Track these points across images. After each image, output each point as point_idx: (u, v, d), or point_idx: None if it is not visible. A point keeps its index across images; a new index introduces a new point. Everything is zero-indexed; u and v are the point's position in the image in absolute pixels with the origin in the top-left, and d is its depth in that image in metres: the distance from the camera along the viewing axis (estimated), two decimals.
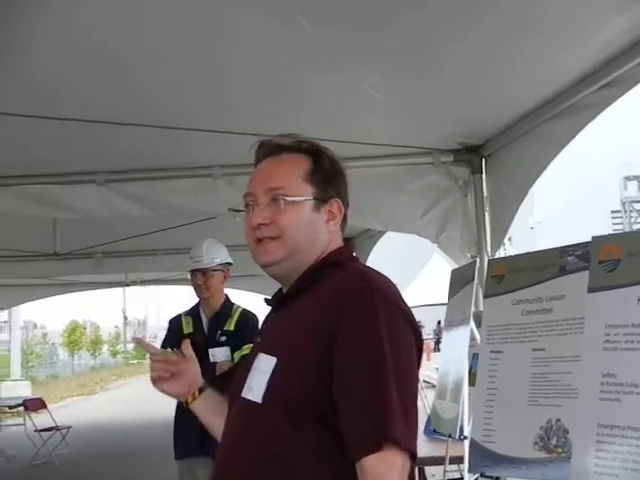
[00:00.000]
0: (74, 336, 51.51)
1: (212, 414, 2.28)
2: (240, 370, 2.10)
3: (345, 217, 2.14)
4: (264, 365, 1.95)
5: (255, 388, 1.94)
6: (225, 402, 2.19)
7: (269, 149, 2.13)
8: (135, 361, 59.09)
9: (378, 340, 1.86)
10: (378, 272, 2.05)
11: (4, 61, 3.85)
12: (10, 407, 14.43)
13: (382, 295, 1.93)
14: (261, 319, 2.40)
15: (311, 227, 2.05)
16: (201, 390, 2.31)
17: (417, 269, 12.33)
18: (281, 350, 1.95)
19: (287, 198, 2.02)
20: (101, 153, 5.42)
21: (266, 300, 2.20)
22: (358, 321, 1.88)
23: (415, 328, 1.99)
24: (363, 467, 1.80)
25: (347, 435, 1.84)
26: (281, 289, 2.16)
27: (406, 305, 2.00)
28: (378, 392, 1.83)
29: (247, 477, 1.92)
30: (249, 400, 1.95)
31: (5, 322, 33.28)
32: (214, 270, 5.19)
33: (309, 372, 1.87)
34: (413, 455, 1.86)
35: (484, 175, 5.53)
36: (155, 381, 2.33)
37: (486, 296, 3.81)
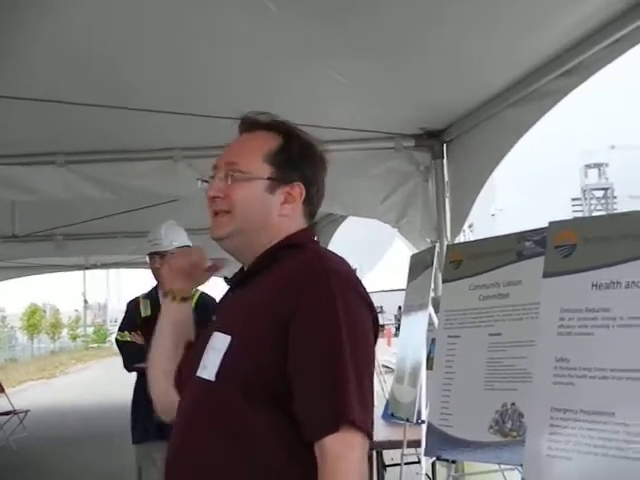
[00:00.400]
0: (33, 319, 51.10)
1: (172, 326, 2.25)
2: (195, 349, 2.08)
3: (312, 202, 2.12)
4: (218, 343, 1.94)
5: (209, 366, 1.93)
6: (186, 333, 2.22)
7: (247, 125, 2.13)
8: (95, 345, 58.83)
9: (334, 321, 1.86)
10: (335, 254, 2.05)
11: None
12: None
13: (338, 276, 1.93)
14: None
15: (262, 206, 2.04)
16: (186, 299, 2.28)
17: (379, 254, 12.35)
18: (235, 328, 1.94)
19: (238, 174, 2.03)
20: (61, 134, 5.36)
21: (225, 279, 2.19)
22: (314, 302, 1.88)
23: (372, 309, 2.00)
24: (323, 447, 1.81)
25: (304, 416, 1.84)
26: (242, 269, 2.15)
27: (363, 287, 2.00)
28: (335, 373, 1.83)
29: (203, 456, 1.91)
30: (203, 379, 1.94)
31: None
32: (172, 253, 5.15)
33: (263, 352, 1.87)
34: (370, 436, 1.87)
35: (445, 160, 5.56)
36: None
37: (444, 281, 3.83)
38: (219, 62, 4.25)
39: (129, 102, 4.61)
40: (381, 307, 35.21)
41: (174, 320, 2.25)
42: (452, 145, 5.49)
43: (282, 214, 2.06)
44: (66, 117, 4.85)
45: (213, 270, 2.31)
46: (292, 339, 1.86)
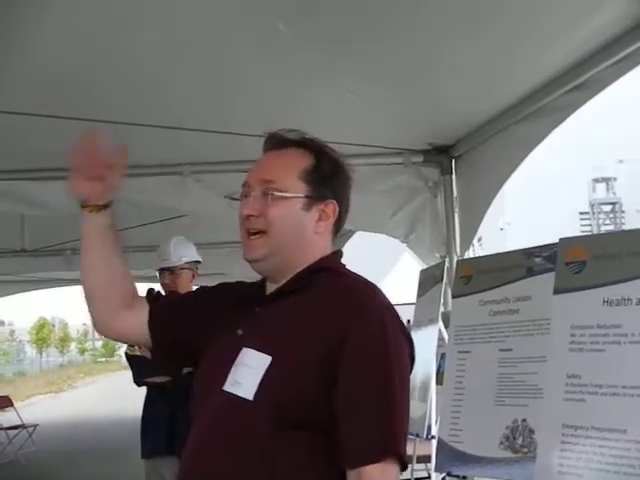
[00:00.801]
0: (42, 333, 51.18)
1: (98, 238, 2.21)
2: (211, 360, 2.07)
3: (341, 219, 2.12)
4: (254, 361, 1.92)
5: (244, 384, 1.91)
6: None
7: (275, 142, 2.12)
8: (103, 359, 58.87)
9: (386, 353, 1.88)
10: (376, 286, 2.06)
11: None
12: None
13: (388, 309, 1.97)
14: None
15: (298, 224, 2.03)
16: (105, 207, 2.22)
17: (387, 268, 12.36)
18: (277, 350, 1.92)
19: (277, 193, 2.01)
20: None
21: (241, 288, 2.19)
22: (367, 332, 1.89)
23: (411, 342, 2.02)
24: (362, 475, 1.83)
25: (348, 442, 1.85)
26: (262, 283, 2.14)
27: (400, 318, 2.02)
28: (385, 405, 1.86)
29: (225, 472, 1.89)
30: (236, 395, 1.92)
31: None
32: (182, 269, 5.16)
33: (308, 378, 1.87)
34: (405, 467, 1.90)
35: (454, 176, 5.55)
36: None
37: (454, 296, 3.83)
38: (230, 79, 4.26)
39: (138, 118, 4.62)
40: None
41: (98, 232, 2.21)
42: (461, 160, 5.48)
43: (317, 232, 2.06)
44: (75, 132, 4.86)
45: (119, 158, 2.23)
46: (343, 367, 1.86)
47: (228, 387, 1.94)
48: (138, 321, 2.22)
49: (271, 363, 1.90)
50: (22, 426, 12.53)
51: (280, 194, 2.01)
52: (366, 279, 2.11)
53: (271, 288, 2.10)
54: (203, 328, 2.14)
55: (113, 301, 2.23)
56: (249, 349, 1.96)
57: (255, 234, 2.02)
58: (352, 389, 1.86)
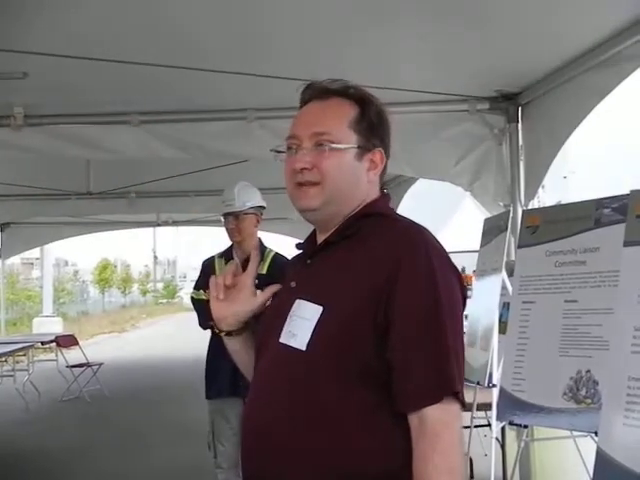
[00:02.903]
0: (105, 274, 51.98)
1: (244, 351, 2.23)
2: (272, 313, 2.09)
3: (385, 167, 2.12)
4: (306, 313, 1.94)
5: (298, 335, 1.93)
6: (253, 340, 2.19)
7: (317, 92, 2.09)
8: (164, 300, 59.76)
9: (436, 295, 1.87)
10: (425, 227, 2.04)
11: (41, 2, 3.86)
12: (43, 343, 14.60)
13: (437, 251, 1.95)
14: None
15: (352, 175, 2.03)
16: (244, 328, 2.20)
17: (448, 216, 12.28)
18: (327, 299, 1.93)
19: (332, 145, 1.99)
20: (136, 94, 5.43)
21: (298, 245, 2.19)
22: (416, 275, 1.88)
23: (461, 281, 2.01)
24: (424, 417, 1.83)
25: (405, 385, 1.85)
26: (313, 234, 2.15)
27: (450, 259, 2.01)
28: (440, 345, 1.85)
29: (290, 424, 1.91)
30: (291, 347, 1.94)
31: (37, 259, 33.60)
32: (246, 214, 5.18)
33: (360, 323, 1.87)
34: (464, 406, 1.91)
35: (520, 124, 5.48)
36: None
37: (519, 246, 3.81)
38: (290, 23, 4.24)
39: (203, 63, 4.64)
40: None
41: (243, 344, 2.23)
42: (527, 108, 5.40)
43: (369, 181, 2.06)
44: (140, 78, 4.91)
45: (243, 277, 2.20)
46: (394, 311, 1.86)
47: (284, 339, 1.96)
48: None
49: (322, 313, 1.91)
50: (87, 364, 12.79)
51: (335, 145, 2.00)
52: (414, 221, 2.09)
53: (321, 238, 2.10)
54: None
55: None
56: (302, 300, 1.97)
57: (309, 185, 2.01)
58: (403, 332, 1.86)
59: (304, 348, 1.91)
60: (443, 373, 1.85)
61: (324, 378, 1.89)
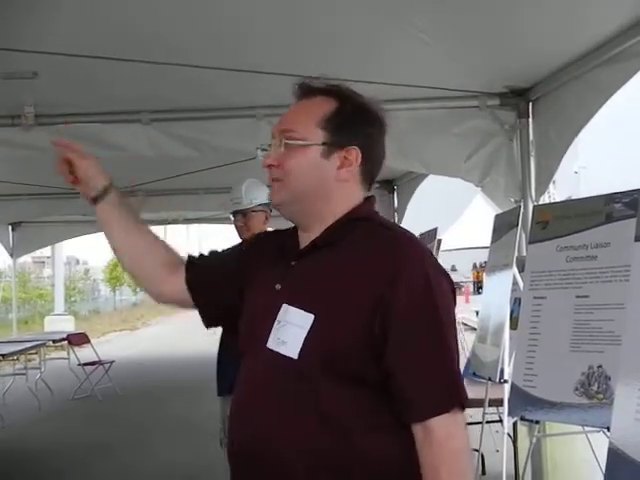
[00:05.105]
0: (116, 272, 51.99)
1: (115, 220, 2.29)
2: (252, 312, 2.07)
3: (370, 164, 2.07)
4: (298, 320, 1.91)
5: (289, 343, 1.90)
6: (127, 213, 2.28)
7: (304, 90, 2.10)
8: None
9: (433, 302, 1.88)
10: (412, 233, 2.06)
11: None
12: (54, 341, 14.64)
13: (427, 256, 1.97)
14: None
15: (316, 173, 2.00)
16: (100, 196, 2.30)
17: (458, 212, 12.26)
18: (320, 307, 1.91)
19: (291, 142, 2.00)
20: (147, 92, 5.44)
21: (280, 242, 2.16)
22: (414, 286, 1.87)
23: (450, 282, 2.01)
24: (430, 427, 1.83)
25: (410, 395, 1.85)
26: (293, 234, 2.12)
27: (439, 263, 2.03)
28: (444, 355, 1.87)
29: (279, 428, 1.90)
30: (281, 354, 1.91)
31: (48, 258, 33.63)
32: (254, 211, 5.18)
33: (353, 332, 1.86)
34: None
35: (530, 119, 5.47)
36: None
37: (530, 242, 3.80)
38: (300, 21, 4.23)
39: (212, 61, 4.64)
40: (453, 266, 35.24)
41: (108, 219, 2.30)
42: (538, 104, 5.39)
43: (340, 179, 2.02)
44: (150, 77, 4.91)
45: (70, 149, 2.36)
46: (393, 321, 1.85)
47: (272, 345, 1.94)
48: (182, 285, 2.26)
49: (314, 321, 1.89)
50: (99, 362, 12.82)
51: (294, 142, 2.00)
52: (402, 228, 2.12)
53: (303, 237, 2.08)
54: (242, 282, 2.15)
55: (154, 271, 2.30)
56: (289, 306, 1.95)
57: (275, 181, 2.04)
58: (404, 343, 1.85)
59: (296, 357, 1.89)
60: (451, 384, 1.86)
61: (315, 384, 1.87)
